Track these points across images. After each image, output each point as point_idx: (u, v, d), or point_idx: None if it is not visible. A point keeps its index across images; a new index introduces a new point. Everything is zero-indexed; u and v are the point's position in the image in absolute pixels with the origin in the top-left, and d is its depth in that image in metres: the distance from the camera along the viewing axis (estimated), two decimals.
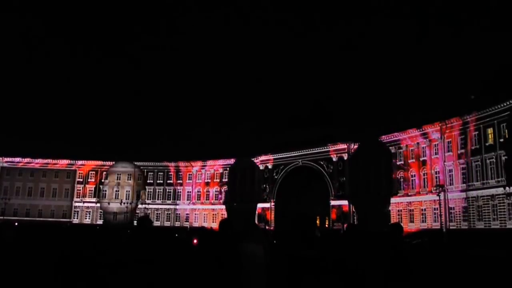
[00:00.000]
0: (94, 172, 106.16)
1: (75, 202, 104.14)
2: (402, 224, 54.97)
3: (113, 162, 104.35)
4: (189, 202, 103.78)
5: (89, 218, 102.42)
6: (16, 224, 49.82)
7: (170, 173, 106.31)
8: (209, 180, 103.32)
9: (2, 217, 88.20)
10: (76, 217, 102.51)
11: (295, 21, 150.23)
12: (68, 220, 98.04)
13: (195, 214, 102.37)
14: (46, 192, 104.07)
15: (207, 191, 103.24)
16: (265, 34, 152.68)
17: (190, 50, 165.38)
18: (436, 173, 68.22)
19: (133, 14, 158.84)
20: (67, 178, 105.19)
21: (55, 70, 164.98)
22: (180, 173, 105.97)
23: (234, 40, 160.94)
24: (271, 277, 8.30)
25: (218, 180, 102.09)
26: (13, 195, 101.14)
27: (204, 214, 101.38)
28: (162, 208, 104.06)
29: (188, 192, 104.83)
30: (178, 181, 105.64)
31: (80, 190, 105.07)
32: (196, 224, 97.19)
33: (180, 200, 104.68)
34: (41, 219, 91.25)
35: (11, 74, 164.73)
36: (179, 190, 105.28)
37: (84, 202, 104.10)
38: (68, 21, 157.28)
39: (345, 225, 70.52)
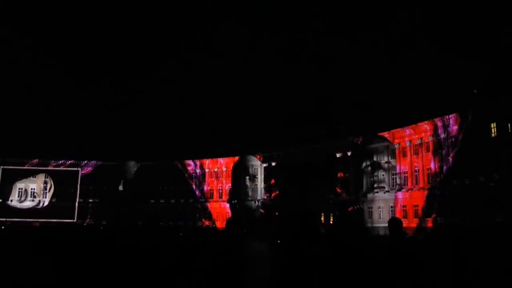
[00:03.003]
0: (97, 172, 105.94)
1: (78, 202, 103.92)
2: (407, 219, 55.10)
3: (116, 162, 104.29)
4: (193, 201, 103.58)
5: (92, 219, 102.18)
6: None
7: (174, 172, 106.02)
8: (214, 178, 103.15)
9: (4, 219, 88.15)
10: (79, 217, 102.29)
11: (297, 18, 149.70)
12: (71, 220, 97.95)
13: (200, 212, 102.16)
14: (49, 192, 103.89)
15: (211, 189, 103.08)
16: (268, 32, 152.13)
17: (191, 46, 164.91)
18: (440, 168, 67.99)
19: (145, 18, 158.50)
20: (70, 178, 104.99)
21: (56, 70, 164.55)
22: (184, 172, 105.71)
23: (237, 38, 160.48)
24: (276, 274, 8.22)
25: (222, 178, 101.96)
26: (16, 196, 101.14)
27: (209, 212, 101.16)
28: (166, 207, 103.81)
29: (192, 190, 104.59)
30: (183, 180, 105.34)
31: (83, 190, 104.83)
32: (200, 223, 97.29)
33: (184, 199, 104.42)
34: (44, 220, 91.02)
35: (14, 74, 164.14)
36: (183, 189, 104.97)
37: (87, 202, 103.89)
38: (71, 22, 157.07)
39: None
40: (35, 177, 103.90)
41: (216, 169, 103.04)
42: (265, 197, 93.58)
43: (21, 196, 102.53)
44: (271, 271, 8.25)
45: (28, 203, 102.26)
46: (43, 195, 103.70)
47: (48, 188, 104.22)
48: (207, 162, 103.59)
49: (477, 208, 60.96)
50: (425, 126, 70.43)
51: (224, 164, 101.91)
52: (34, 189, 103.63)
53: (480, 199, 60.58)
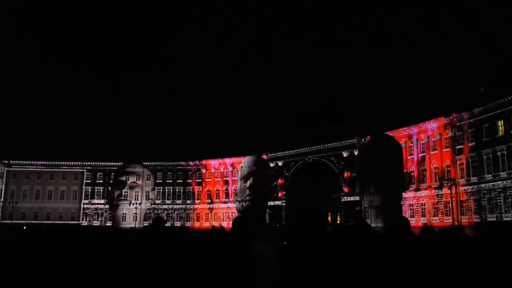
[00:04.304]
0: (102, 173, 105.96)
1: (84, 204, 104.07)
2: (414, 218, 54.88)
3: (121, 163, 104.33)
4: (200, 202, 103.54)
5: (98, 220, 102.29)
6: (25, 227, 49.52)
7: (180, 173, 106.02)
8: (220, 179, 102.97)
9: (10, 221, 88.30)
10: (85, 219, 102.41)
11: (304, 16, 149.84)
12: (77, 222, 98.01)
13: (206, 213, 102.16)
14: (54, 194, 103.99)
15: (217, 190, 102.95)
16: (275, 30, 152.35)
17: (196, 46, 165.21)
18: (447, 167, 67.67)
19: (136, 17, 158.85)
20: (75, 180, 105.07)
21: (61, 72, 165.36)
22: (190, 172, 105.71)
23: (243, 36, 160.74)
24: (282, 276, 8.06)
25: (228, 179, 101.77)
26: (20, 198, 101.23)
27: (215, 213, 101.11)
28: (172, 208, 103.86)
29: (198, 191, 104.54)
30: (188, 181, 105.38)
31: (88, 191, 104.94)
32: (207, 224, 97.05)
33: (190, 199, 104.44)
34: (49, 222, 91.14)
35: (19, 75, 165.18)
36: (190, 190, 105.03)
37: (92, 204, 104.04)
38: (76, 26, 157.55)
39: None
40: (40, 178, 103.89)
41: (222, 169, 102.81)
42: (272, 197, 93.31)
43: (27, 198, 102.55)
44: (277, 273, 8.13)
45: (33, 205, 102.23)
46: (48, 196, 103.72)
47: (53, 190, 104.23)
48: (213, 162, 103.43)
49: (485, 207, 60.74)
50: (432, 124, 70.09)
51: (229, 165, 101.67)
52: (39, 191, 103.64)
53: (487, 198, 60.37)
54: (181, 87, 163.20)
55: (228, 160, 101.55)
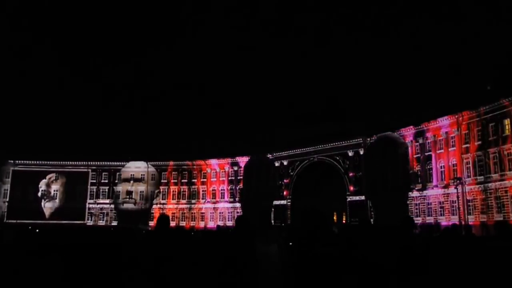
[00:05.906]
0: (107, 172, 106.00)
1: (89, 203, 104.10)
2: (420, 218, 54.70)
3: (126, 162, 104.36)
4: (205, 201, 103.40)
5: (103, 220, 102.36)
6: (30, 227, 49.42)
7: (184, 172, 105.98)
8: (225, 179, 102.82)
9: (15, 221, 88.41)
10: (90, 218, 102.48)
11: (308, 16, 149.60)
12: (82, 222, 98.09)
13: (211, 213, 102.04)
14: (59, 194, 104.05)
15: (222, 190, 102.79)
16: (278, 29, 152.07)
17: (199, 47, 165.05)
18: (453, 166, 67.37)
19: (140, 13, 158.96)
20: (80, 179, 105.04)
21: (64, 72, 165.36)
22: (194, 172, 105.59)
23: (246, 35, 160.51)
24: (287, 276, 8.00)
25: (233, 178, 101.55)
26: (26, 198, 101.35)
27: (220, 213, 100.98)
28: (177, 208, 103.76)
29: (203, 191, 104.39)
30: (193, 180, 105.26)
31: (93, 191, 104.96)
32: (211, 224, 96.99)
33: (195, 199, 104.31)
34: (55, 221, 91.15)
35: (21, 75, 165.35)
36: (194, 189, 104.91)
37: (97, 203, 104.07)
38: (79, 22, 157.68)
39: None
40: (45, 178, 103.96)
41: (227, 169, 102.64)
42: (277, 197, 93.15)
43: (32, 197, 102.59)
44: (282, 273, 8.08)
45: (38, 204, 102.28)
46: (53, 196, 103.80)
47: (59, 189, 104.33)
48: (218, 161, 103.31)
49: (492, 206, 60.47)
50: (438, 123, 69.83)
51: (235, 164, 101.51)
52: (44, 190, 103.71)
53: (494, 197, 60.11)
54: (183, 87, 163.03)
55: (233, 160, 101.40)
